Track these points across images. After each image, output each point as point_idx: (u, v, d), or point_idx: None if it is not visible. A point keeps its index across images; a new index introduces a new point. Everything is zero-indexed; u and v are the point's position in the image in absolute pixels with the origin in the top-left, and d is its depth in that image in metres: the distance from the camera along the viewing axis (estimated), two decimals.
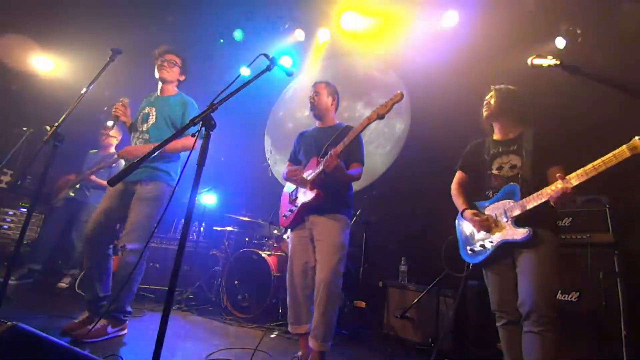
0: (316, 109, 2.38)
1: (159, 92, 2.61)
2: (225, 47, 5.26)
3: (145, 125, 2.46)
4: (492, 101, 1.96)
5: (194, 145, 1.46)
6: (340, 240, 2.07)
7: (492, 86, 2.02)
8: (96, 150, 4.05)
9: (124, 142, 4.09)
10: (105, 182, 3.76)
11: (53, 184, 3.89)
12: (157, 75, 2.57)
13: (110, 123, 2.50)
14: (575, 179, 1.52)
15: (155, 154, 1.35)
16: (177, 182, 2.32)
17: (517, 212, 1.69)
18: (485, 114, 1.98)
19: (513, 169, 1.83)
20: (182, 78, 2.67)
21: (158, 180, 2.33)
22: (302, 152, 2.41)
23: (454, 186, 2.10)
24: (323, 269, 1.99)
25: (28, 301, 3.03)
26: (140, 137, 2.45)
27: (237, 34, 5.07)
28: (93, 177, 3.69)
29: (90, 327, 2.03)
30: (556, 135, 1.83)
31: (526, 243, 1.64)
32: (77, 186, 3.76)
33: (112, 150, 4.00)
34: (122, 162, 3.84)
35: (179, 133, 1.44)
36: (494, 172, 1.90)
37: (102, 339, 2.12)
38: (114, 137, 4.03)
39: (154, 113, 2.49)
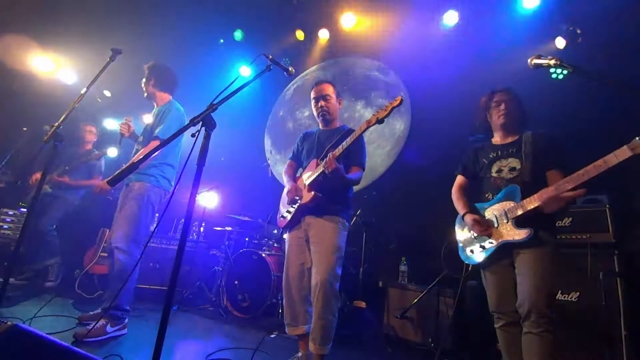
0: (328, 114, 2.31)
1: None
2: (226, 47, 5.26)
3: (142, 137, 2.72)
4: (510, 107, 1.92)
5: (159, 147, 1.42)
6: (336, 241, 2.04)
7: (501, 89, 1.98)
8: (76, 147, 3.98)
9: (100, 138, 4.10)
10: (70, 182, 3.68)
11: (29, 178, 3.81)
12: None
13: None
14: (570, 182, 1.53)
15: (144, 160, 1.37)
16: (177, 183, 2.37)
17: (518, 213, 1.69)
18: (503, 120, 1.93)
19: (512, 171, 1.83)
20: (152, 82, 2.71)
21: (143, 181, 2.48)
22: (304, 152, 2.40)
23: (454, 190, 2.11)
24: (319, 272, 1.97)
25: (28, 301, 3.03)
26: (136, 147, 2.71)
27: (238, 34, 5.08)
28: (64, 179, 3.65)
29: (90, 327, 2.04)
30: (555, 137, 1.82)
31: (526, 244, 1.65)
32: (50, 182, 3.68)
33: (90, 146, 3.99)
34: (102, 161, 3.88)
35: (169, 140, 1.39)
36: (494, 174, 1.90)
37: (101, 338, 2.13)
38: (91, 132, 4.01)
39: (146, 124, 2.75)
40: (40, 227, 3.54)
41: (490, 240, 1.79)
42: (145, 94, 2.75)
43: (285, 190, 2.34)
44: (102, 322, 2.16)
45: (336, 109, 2.36)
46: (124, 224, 2.35)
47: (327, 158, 1.98)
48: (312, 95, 2.35)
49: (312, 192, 2.07)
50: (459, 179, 2.13)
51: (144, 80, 2.73)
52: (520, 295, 1.62)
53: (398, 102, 1.88)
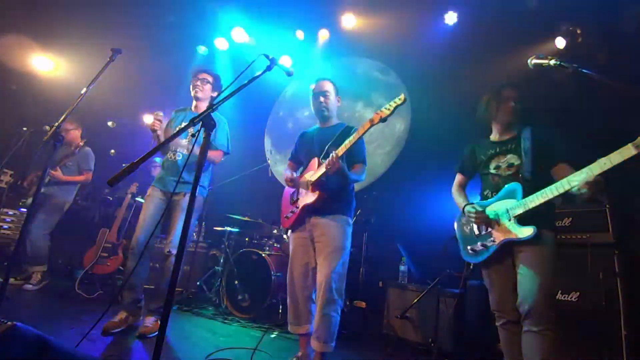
0: (327, 111, 2.31)
1: (193, 108, 2.82)
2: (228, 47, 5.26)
3: (185, 139, 2.67)
4: (518, 105, 1.88)
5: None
6: (342, 241, 2.05)
7: (510, 85, 1.94)
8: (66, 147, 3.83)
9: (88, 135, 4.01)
10: (64, 177, 3.65)
11: (23, 181, 3.77)
12: (192, 93, 2.80)
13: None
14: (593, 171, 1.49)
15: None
16: (209, 189, 2.71)
17: (520, 211, 1.69)
18: (509, 118, 1.90)
19: (511, 167, 1.83)
20: (215, 94, 2.87)
21: (198, 194, 2.62)
22: (303, 152, 2.40)
23: (454, 188, 2.12)
24: (325, 270, 1.98)
25: (28, 302, 3.03)
26: (181, 150, 2.66)
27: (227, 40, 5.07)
28: (54, 173, 3.59)
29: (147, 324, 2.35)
30: (555, 133, 1.82)
31: (528, 242, 1.64)
32: (47, 180, 3.59)
33: (76, 142, 3.83)
34: (87, 149, 3.80)
35: (177, 135, 1.39)
36: (492, 171, 1.90)
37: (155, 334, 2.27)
38: (76, 130, 3.87)
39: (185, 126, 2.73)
40: (31, 235, 3.46)
41: (492, 239, 1.79)
42: (196, 96, 2.78)
43: (287, 187, 2.34)
44: (152, 318, 2.41)
45: (335, 106, 2.37)
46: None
47: (330, 157, 1.97)
48: (312, 91, 2.36)
49: (317, 192, 2.06)
50: (458, 177, 2.14)
51: (207, 86, 2.80)
52: (520, 294, 1.62)
53: (402, 100, 1.87)
